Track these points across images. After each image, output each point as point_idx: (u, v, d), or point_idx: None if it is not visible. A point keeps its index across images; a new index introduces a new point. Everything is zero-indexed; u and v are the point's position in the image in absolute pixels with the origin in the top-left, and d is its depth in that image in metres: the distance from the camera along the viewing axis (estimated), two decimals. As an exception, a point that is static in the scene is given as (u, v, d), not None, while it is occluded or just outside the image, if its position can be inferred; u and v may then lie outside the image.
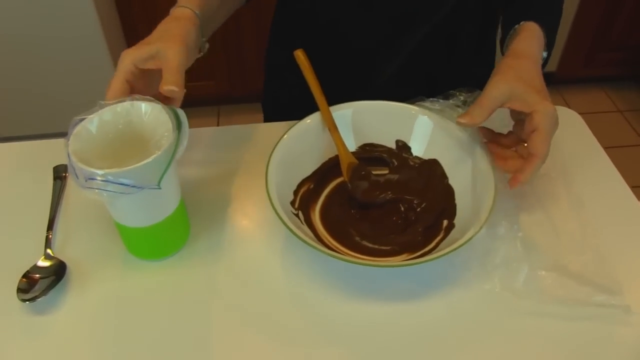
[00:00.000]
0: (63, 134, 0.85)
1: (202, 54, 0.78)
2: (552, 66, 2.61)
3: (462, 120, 0.69)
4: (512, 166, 0.70)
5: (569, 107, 0.92)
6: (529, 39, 0.76)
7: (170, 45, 0.68)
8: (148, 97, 0.66)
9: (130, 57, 0.68)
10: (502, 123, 0.76)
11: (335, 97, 0.79)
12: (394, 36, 0.89)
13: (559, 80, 2.68)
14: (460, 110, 0.78)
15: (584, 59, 2.59)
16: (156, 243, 0.70)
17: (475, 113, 0.69)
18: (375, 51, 0.92)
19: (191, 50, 0.72)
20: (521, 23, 0.78)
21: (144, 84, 0.70)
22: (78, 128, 0.62)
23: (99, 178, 0.57)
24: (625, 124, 2.56)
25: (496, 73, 0.71)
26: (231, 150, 0.85)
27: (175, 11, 0.75)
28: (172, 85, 0.66)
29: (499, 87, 0.69)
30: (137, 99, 0.65)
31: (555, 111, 0.69)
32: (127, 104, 0.65)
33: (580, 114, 0.91)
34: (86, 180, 0.57)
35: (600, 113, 2.61)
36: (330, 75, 0.81)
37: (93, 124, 0.64)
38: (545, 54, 0.79)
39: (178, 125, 0.63)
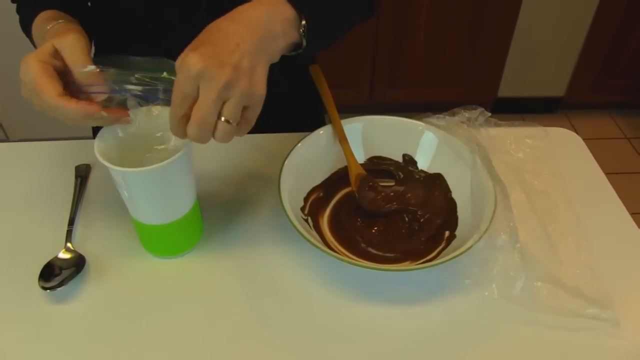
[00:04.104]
0: (84, 137, 0.90)
1: None
2: (560, 91, 2.65)
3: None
4: None
5: (576, 132, 0.95)
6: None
7: (65, 36, 0.65)
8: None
9: (34, 56, 0.63)
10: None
11: None
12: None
13: (566, 106, 2.71)
14: (465, 126, 0.81)
15: (592, 85, 2.62)
16: (170, 241, 0.73)
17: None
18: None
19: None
20: None
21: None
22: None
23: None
24: (632, 150, 2.58)
25: None
26: (245, 158, 0.89)
27: (53, 26, 0.72)
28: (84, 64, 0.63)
29: None
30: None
31: (187, 60, 0.56)
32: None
33: (587, 139, 0.94)
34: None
35: (607, 139, 2.64)
36: None
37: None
38: (303, 38, 0.67)
39: None
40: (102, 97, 0.65)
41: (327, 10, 0.71)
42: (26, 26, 0.80)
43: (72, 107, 0.61)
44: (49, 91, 0.61)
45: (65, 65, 0.65)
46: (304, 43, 0.67)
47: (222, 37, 0.59)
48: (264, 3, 0.63)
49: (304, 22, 0.65)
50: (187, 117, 0.59)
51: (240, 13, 0.62)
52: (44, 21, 0.75)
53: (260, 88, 0.61)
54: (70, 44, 0.65)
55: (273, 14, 0.63)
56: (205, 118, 0.58)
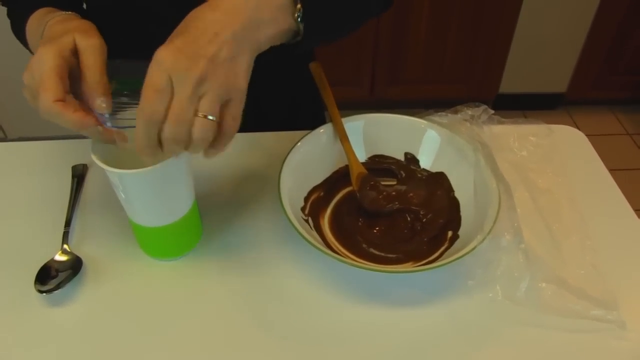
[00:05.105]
0: (81, 137, 0.88)
1: None
2: (561, 87, 2.64)
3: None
4: None
5: (578, 128, 0.94)
6: None
7: (88, 36, 0.60)
8: None
9: (57, 49, 0.59)
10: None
11: None
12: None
13: (568, 102, 2.71)
14: (467, 124, 0.80)
15: (594, 81, 2.61)
16: (169, 243, 0.72)
17: None
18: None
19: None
20: None
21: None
22: None
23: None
24: (634, 147, 2.57)
25: None
26: (244, 157, 0.87)
27: (56, 16, 0.67)
28: (99, 91, 0.59)
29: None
30: None
31: (157, 55, 0.53)
32: None
33: (589, 135, 0.93)
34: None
35: (609, 135, 2.63)
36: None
37: None
38: (300, 24, 0.61)
39: None
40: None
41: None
42: (19, 27, 0.78)
43: (69, 116, 0.58)
44: (48, 94, 0.57)
45: (78, 67, 0.61)
46: (301, 30, 0.62)
47: (199, 26, 0.54)
48: None
49: (299, 6, 0.60)
50: (159, 122, 0.54)
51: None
52: (44, 14, 0.72)
53: (241, 80, 0.56)
54: (94, 50, 0.60)
55: None
56: (180, 115, 0.53)
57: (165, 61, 0.52)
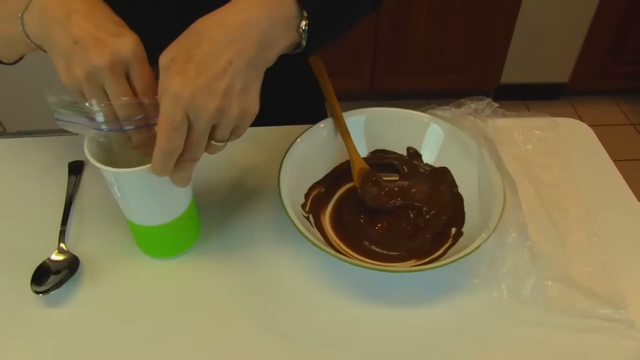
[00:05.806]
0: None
1: None
2: (564, 77, 2.62)
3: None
4: None
5: (581, 119, 0.92)
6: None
7: (132, 34, 0.57)
8: None
9: (140, 45, 0.57)
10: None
11: None
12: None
13: (571, 92, 2.69)
14: (471, 118, 0.78)
15: (597, 71, 2.59)
16: (167, 241, 0.71)
17: None
18: None
19: None
20: None
21: None
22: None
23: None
24: (637, 137, 2.56)
25: None
26: (243, 152, 0.86)
27: None
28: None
29: None
30: None
31: (172, 87, 0.53)
32: None
33: (592, 126, 0.92)
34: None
35: (613, 126, 2.61)
36: None
37: None
38: (302, 39, 0.61)
39: None
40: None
41: (331, 6, 0.66)
42: None
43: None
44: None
45: None
46: (303, 43, 0.61)
47: (211, 52, 0.53)
48: (265, 1, 0.57)
49: (304, 22, 0.60)
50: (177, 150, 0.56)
51: (236, 14, 0.56)
52: None
53: (253, 107, 0.57)
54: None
55: (274, 15, 0.57)
56: (196, 144, 0.56)
57: (182, 96, 0.52)
